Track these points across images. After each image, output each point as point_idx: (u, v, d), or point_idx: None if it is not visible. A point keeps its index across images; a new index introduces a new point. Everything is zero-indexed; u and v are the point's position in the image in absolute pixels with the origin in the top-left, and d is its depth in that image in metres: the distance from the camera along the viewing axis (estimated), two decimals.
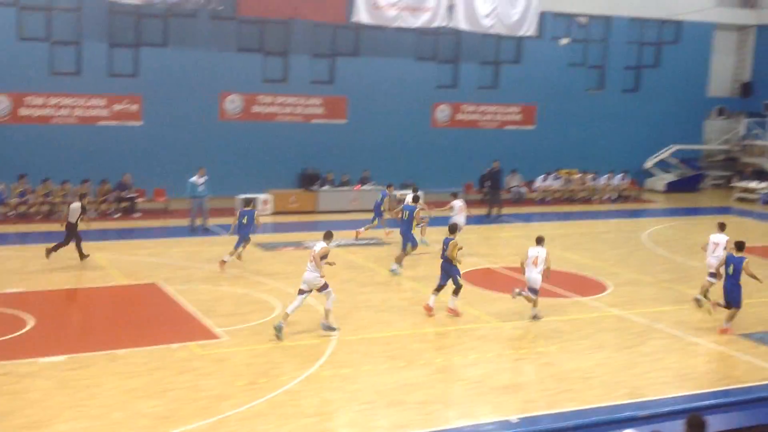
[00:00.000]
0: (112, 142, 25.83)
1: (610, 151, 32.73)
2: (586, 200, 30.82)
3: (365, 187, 27.48)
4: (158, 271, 18.08)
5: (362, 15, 27.32)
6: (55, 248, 18.21)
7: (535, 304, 15.23)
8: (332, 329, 13.96)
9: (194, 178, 22.82)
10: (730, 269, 14.71)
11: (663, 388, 11.94)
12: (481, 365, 12.77)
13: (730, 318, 14.79)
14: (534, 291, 15.12)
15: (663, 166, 33.93)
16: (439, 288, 15.29)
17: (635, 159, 33.13)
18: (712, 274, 16.35)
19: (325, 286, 13.93)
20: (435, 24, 28.55)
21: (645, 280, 18.31)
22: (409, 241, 18.92)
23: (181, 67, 26.52)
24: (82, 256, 18.34)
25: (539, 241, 15.40)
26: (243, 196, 23.40)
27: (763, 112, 34.23)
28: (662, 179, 33.59)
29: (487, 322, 15.04)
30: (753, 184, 32.19)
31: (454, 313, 15.18)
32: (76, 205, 18.37)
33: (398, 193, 22.72)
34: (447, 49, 30.53)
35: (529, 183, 30.77)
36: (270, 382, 11.60)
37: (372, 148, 29.08)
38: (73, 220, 18.20)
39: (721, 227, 17.12)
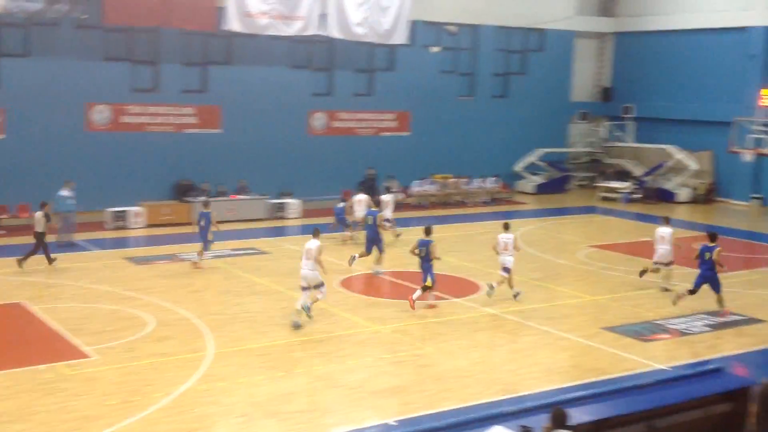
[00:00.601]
0: None
1: (482, 156, 33.62)
2: (461, 203, 31.52)
3: (242, 196, 27.21)
4: (23, 290, 17.31)
5: (233, 23, 27.05)
6: (25, 258, 19.06)
7: (511, 284, 16.97)
8: (304, 319, 14.92)
9: (62, 192, 21.96)
10: (707, 256, 16.01)
11: (534, 383, 12.37)
12: (360, 370, 12.85)
13: (721, 301, 16.09)
14: (507, 270, 16.87)
15: (532, 168, 35.12)
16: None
17: (506, 162, 34.16)
18: (662, 264, 18.10)
19: (322, 284, 15.04)
20: (308, 32, 28.59)
21: (517, 279, 18.81)
22: (380, 243, 19.73)
23: (45, 78, 25.49)
24: (50, 260, 19.26)
25: (506, 227, 17.28)
26: (202, 198, 23.10)
27: (622, 115, 35.97)
28: (532, 181, 34.76)
29: (367, 327, 15.16)
30: (615, 184, 33.74)
31: (420, 299, 16.25)
32: (39, 214, 19.24)
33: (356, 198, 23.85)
34: (321, 57, 30.63)
35: (406, 188, 31.22)
36: (143, 400, 11.30)
37: (248, 157, 28.80)
38: (39, 229, 19.15)
39: (666, 221, 18.75)
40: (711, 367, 10.78)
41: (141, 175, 26.97)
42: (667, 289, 17.98)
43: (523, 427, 8.16)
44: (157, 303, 16.31)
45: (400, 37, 30.42)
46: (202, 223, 19.54)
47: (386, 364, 13.29)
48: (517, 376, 12.73)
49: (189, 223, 25.38)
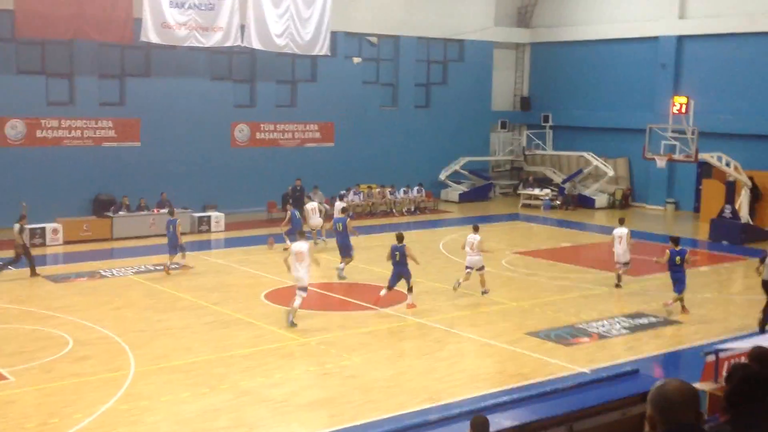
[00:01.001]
0: None
1: (406, 165, 33.88)
2: (387, 213, 31.67)
3: (164, 210, 26.73)
4: None
5: (151, 35, 26.64)
6: (5, 266, 19.76)
7: (483, 283, 18.33)
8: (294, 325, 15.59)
9: None
10: (677, 260, 16.93)
11: (460, 390, 12.50)
12: (287, 384, 12.78)
13: (681, 300, 17.14)
14: (480, 269, 18.31)
15: (456, 177, 35.55)
16: (390, 288, 17.18)
17: (430, 172, 34.49)
18: (623, 263, 19.31)
19: (305, 288, 15.77)
20: (228, 43, 28.37)
21: (442, 288, 19.06)
22: (350, 250, 20.35)
23: None
24: (33, 272, 19.94)
25: (475, 229, 18.64)
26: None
27: (541, 124, 36.75)
28: (456, 190, 35.17)
29: (293, 340, 15.10)
30: (536, 192, 34.43)
31: (413, 306, 17.08)
32: (17, 227, 20.02)
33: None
34: (242, 69, 30.44)
35: (331, 199, 31.18)
36: (62, 422, 11.01)
37: (169, 170, 28.36)
38: (20, 240, 19.95)
39: (621, 222, 20.01)
40: (628, 369, 11.08)
41: (58, 190, 26.30)
42: (618, 285, 19.40)
43: None
44: (77, 321, 15.92)
45: (322, 48, 30.45)
46: (171, 228, 20.50)
47: (313, 376, 13.26)
48: (442, 383, 12.85)
49: (108, 239, 25.01)
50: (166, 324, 16.07)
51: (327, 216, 25.15)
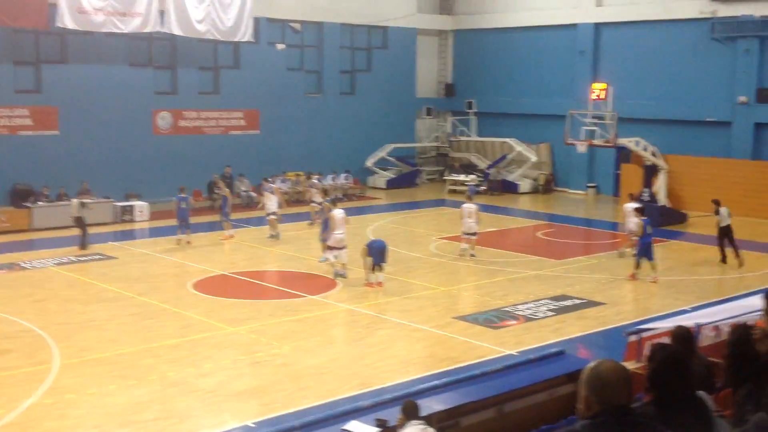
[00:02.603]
0: None
1: (332, 152, 33.81)
2: (314, 201, 31.45)
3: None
4: None
5: (67, 20, 25.84)
6: None
7: (472, 246, 20.83)
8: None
9: None
10: (649, 229, 18.47)
11: (391, 376, 12.60)
12: (217, 373, 12.67)
13: (655, 267, 18.65)
14: (473, 234, 20.68)
15: (382, 164, 35.66)
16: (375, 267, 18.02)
17: (356, 158, 34.51)
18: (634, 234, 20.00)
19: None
20: (147, 29, 27.74)
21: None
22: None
23: None
24: None
25: (470, 198, 21.88)
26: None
27: (465, 110, 37.14)
28: (383, 177, 35.29)
29: (222, 329, 14.96)
30: (462, 177, 34.81)
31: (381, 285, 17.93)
32: None
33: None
34: (163, 55, 29.84)
35: (258, 187, 30.90)
36: None
37: (90, 158, 27.62)
38: None
39: (632, 197, 21.94)
40: (554, 350, 11.35)
41: None
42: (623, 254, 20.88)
43: (378, 420, 8.34)
44: None
45: (245, 35, 30.08)
46: (183, 206, 22.08)
47: (243, 365, 13.17)
48: (374, 369, 12.94)
49: (27, 230, 24.29)
50: (90, 316, 15.73)
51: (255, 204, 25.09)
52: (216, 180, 27.36)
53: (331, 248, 18.60)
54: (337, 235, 18.48)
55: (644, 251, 18.75)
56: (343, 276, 18.51)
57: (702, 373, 6.94)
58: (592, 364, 3.78)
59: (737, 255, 20.19)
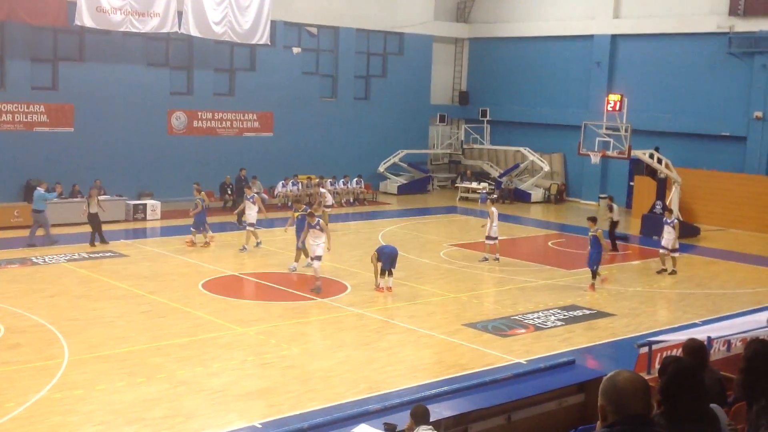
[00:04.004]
0: None
1: (345, 157, 33.84)
2: (326, 205, 31.49)
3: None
4: None
5: (85, 18, 25.99)
6: None
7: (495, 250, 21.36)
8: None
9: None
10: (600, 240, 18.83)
11: (399, 381, 12.58)
12: (225, 374, 12.68)
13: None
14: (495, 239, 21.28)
15: (394, 169, 35.67)
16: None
17: (369, 164, 34.52)
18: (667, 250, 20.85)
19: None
20: (165, 30, 27.89)
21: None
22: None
23: None
24: None
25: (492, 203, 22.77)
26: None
27: (479, 118, 37.12)
28: (394, 182, 35.30)
29: (231, 330, 14.97)
30: (473, 185, 34.79)
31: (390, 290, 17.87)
32: None
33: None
34: (179, 56, 29.97)
35: (270, 189, 30.99)
36: None
37: (104, 156, 27.76)
38: None
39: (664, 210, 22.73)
40: (564, 359, 11.31)
41: None
42: (666, 270, 20.79)
43: (387, 424, 8.32)
44: (8, 309, 15.50)
45: (261, 37, 30.18)
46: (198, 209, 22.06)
47: (251, 366, 13.17)
48: (382, 374, 12.91)
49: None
50: (100, 312, 15.76)
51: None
52: (230, 181, 27.39)
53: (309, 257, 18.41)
54: (312, 244, 18.13)
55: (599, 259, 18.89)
56: (317, 291, 17.70)
57: (714, 387, 6.89)
58: (610, 374, 3.77)
59: (615, 248, 23.44)
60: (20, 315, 15.27)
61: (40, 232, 22.07)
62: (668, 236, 20.56)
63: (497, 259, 21.40)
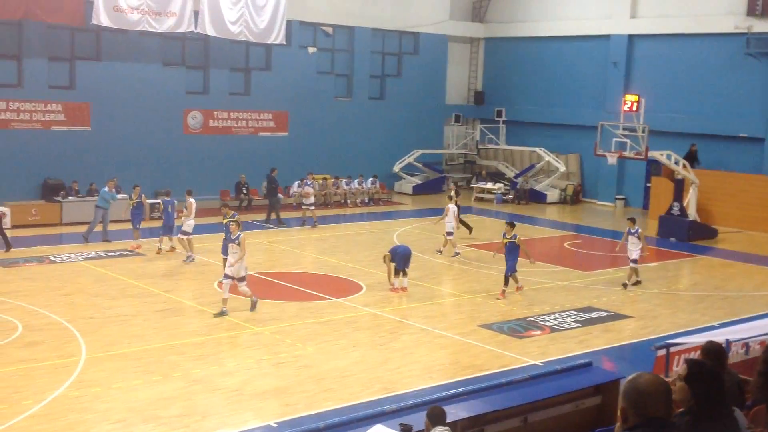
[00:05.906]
0: None
1: (360, 156, 33.83)
2: (341, 204, 31.62)
3: (118, 196, 26.27)
4: None
5: (102, 17, 26.10)
6: None
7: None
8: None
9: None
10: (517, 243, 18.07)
11: (414, 381, 12.57)
12: (241, 372, 12.71)
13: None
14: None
15: (409, 169, 35.63)
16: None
17: (384, 163, 34.49)
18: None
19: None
20: (181, 29, 27.98)
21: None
22: None
23: None
24: None
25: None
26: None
27: (495, 118, 37.02)
28: (409, 182, 35.26)
29: (247, 329, 15.00)
30: (489, 185, 34.70)
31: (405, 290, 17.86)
32: None
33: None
34: (195, 55, 30.05)
35: (285, 189, 31.02)
36: (11, 408, 10.79)
37: (120, 155, 27.87)
38: None
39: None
40: (581, 361, 11.23)
41: (5, 174, 25.65)
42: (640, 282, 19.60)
43: (403, 424, 8.28)
44: (25, 307, 15.60)
45: (278, 37, 30.23)
46: (169, 209, 21.38)
47: (266, 365, 13.19)
48: (397, 374, 12.90)
49: (57, 224, 24.55)
50: (117, 311, 15.84)
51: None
52: (245, 180, 27.37)
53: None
54: (230, 259, 15.82)
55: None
56: (223, 314, 15.58)
57: (733, 390, 6.85)
58: (631, 376, 3.75)
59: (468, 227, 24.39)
60: (38, 313, 15.37)
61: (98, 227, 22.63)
62: (632, 247, 19.18)
63: (457, 255, 21.67)
